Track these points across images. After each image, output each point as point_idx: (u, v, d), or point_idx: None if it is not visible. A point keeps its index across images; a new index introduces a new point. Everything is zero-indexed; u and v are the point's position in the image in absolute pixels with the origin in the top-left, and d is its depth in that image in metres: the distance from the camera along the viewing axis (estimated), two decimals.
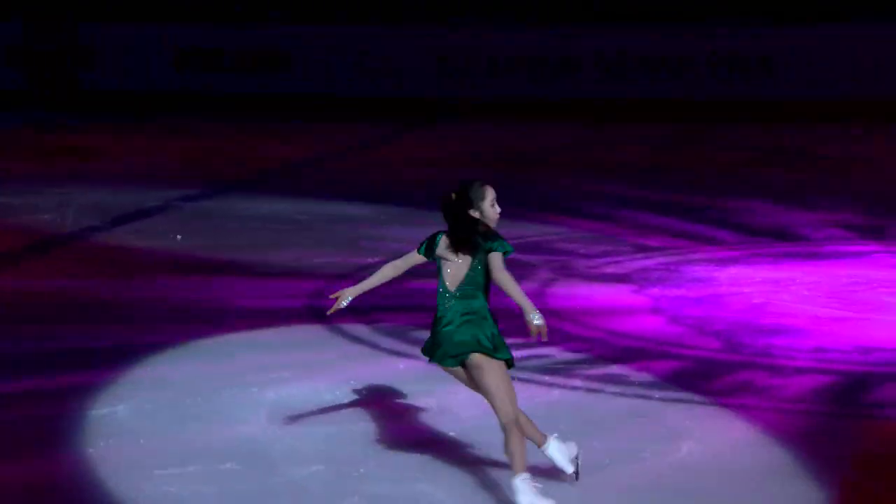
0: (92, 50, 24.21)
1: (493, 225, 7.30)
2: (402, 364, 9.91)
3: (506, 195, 17.75)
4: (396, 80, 24.12)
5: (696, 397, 9.39)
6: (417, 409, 8.70)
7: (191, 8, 24.91)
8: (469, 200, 7.24)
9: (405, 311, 11.18)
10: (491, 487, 7.57)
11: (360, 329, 10.78)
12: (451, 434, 8.41)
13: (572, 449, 7.61)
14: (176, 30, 24.40)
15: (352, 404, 8.95)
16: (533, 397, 9.37)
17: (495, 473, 7.69)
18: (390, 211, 15.65)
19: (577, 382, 9.68)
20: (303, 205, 16.16)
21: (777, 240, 14.40)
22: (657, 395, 9.43)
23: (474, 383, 7.27)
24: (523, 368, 9.85)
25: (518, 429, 7.18)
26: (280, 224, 15.11)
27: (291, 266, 13.15)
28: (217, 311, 11.56)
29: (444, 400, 8.86)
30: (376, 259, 13.05)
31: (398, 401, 8.97)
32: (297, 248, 13.86)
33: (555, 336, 10.62)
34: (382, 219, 15.26)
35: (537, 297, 11.84)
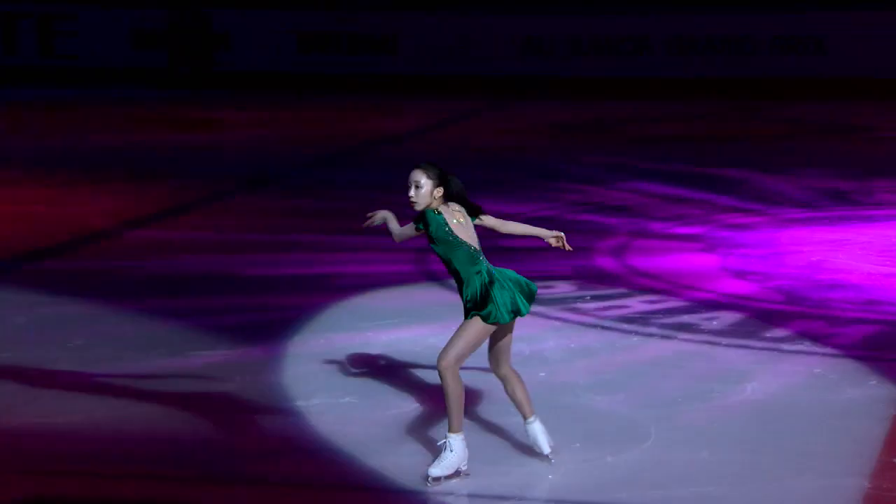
0: (225, 35, 24.32)
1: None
2: None
3: (587, 161, 17.62)
4: (489, 60, 24.02)
5: (759, 344, 9.34)
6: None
7: None
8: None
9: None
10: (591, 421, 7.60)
11: None
12: (542, 374, 8.48)
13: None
14: (298, 17, 24.46)
15: None
16: (613, 343, 9.43)
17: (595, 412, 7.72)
18: (484, 176, 15.67)
19: (654, 330, 9.66)
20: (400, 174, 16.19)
21: (834, 204, 14.26)
22: (724, 342, 9.40)
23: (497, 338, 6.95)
24: (605, 318, 9.92)
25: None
26: (384, 191, 15.09)
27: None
28: (337, 272, 11.62)
29: (534, 346, 8.96)
30: None
31: None
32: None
33: (634, 288, 10.75)
34: (483, 181, 15.29)
35: (618, 253, 11.87)
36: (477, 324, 6.73)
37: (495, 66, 23.89)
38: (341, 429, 7.64)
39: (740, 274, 11.33)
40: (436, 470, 6.78)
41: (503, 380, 6.96)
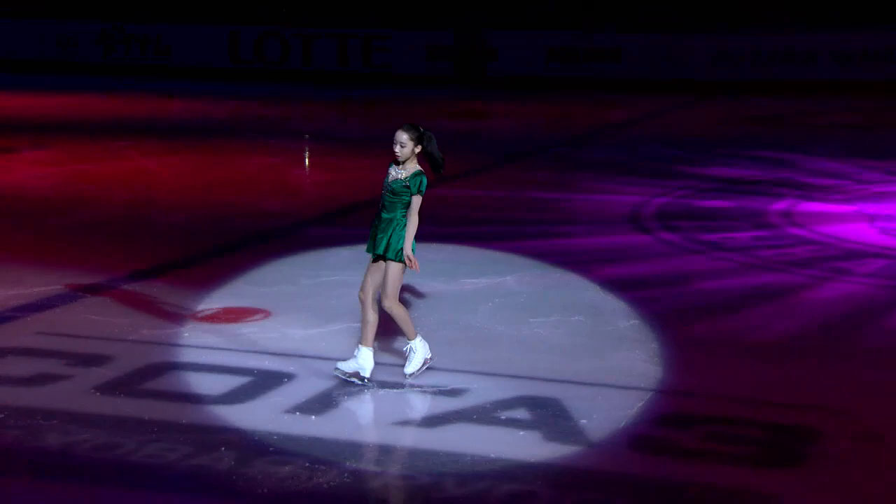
0: (495, 49, 24.56)
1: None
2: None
3: (767, 144, 16.96)
4: (690, 66, 23.59)
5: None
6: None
7: (556, 19, 25.01)
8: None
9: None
10: None
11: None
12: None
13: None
14: (547, 36, 24.50)
15: None
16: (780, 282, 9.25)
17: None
18: (689, 154, 15.45)
19: (817, 273, 9.42)
20: (625, 151, 16.10)
21: None
22: (872, 283, 9.12)
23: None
24: (773, 265, 9.72)
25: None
26: (608, 167, 15.04)
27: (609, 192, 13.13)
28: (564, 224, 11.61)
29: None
30: (682, 182, 12.95)
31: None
32: (626, 179, 13.83)
33: (796, 241, 10.49)
34: (687, 158, 15.09)
35: (786, 216, 11.55)
36: (398, 266, 6.49)
37: (692, 73, 23.54)
38: None
39: (884, 230, 10.90)
40: (410, 368, 6.61)
41: (365, 304, 6.55)
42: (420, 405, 6.37)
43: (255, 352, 7.11)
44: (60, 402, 6.26)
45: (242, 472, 5.44)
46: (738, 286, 8.96)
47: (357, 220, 11.38)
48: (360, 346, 6.54)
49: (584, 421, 6.11)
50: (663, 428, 6.14)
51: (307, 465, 5.52)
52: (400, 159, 6.52)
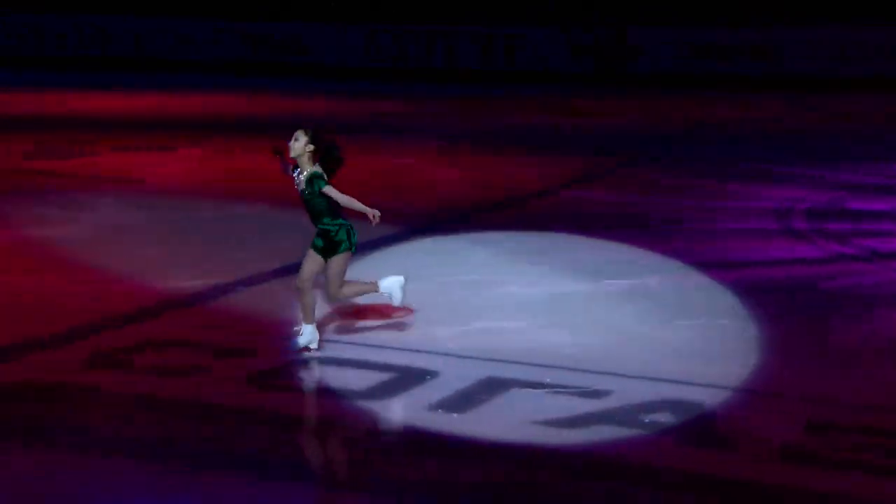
0: (637, 47, 24.26)
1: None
2: None
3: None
4: (850, 62, 22.91)
5: None
6: None
7: (700, 13, 24.55)
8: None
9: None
10: None
11: None
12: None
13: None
14: (691, 32, 24.08)
15: None
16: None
17: None
18: (841, 154, 15.00)
19: None
20: (771, 151, 15.71)
21: None
22: None
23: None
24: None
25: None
26: (754, 166, 14.69)
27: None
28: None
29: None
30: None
31: None
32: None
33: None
34: (840, 157, 14.66)
35: None
36: (341, 257, 6.84)
37: (850, 70, 22.83)
38: None
39: None
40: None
41: (304, 291, 6.82)
42: (562, 405, 6.30)
43: (398, 349, 7.15)
44: (209, 394, 6.39)
45: (384, 469, 5.46)
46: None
47: (494, 219, 11.39)
48: (304, 324, 6.85)
49: (730, 427, 5.94)
50: (812, 437, 5.93)
51: (448, 462, 5.51)
52: (291, 154, 6.73)
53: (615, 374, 6.71)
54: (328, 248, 6.82)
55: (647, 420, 6.05)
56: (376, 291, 7.09)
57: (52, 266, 9.11)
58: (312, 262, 6.83)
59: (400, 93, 23.03)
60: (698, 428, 5.98)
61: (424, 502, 5.15)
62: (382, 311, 7.91)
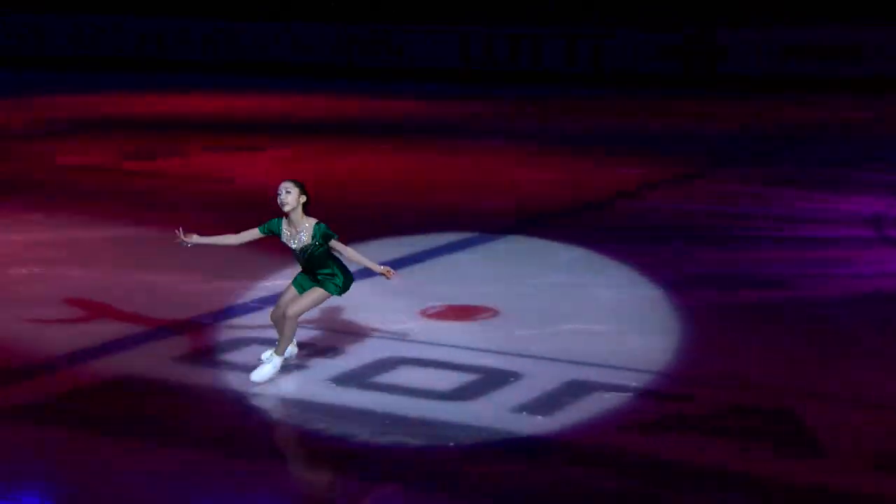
0: (725, 47, 23.93)
1: (282, 209, 6.37)
2: None
3: None
4: None
5: None
6: None
7: (793, 13, 24.14)
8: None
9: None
10: None
11: None
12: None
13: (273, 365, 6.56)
14: (782, 33, 23.66)
15: None
16: None
17: None
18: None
19: None
20: (866, 153, 15.35)
21: None
22: None
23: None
24: None
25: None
26: (848, 169, 14.32)
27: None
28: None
29: None
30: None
31: None
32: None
33: None
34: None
35: None
36: (323, 293, 6.47)
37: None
38: None
39: None
40: (257, 375, 6.44)
41: (293, 321, 6.49)
42: (648, 410, 6.23)
43: (483, 350, 7.14)
44: (298, 391, 6.46)
45: (467, 469, 5.46)
46: None
47: (580, 221, 11.32)
48: (275, 355, 6.54)
49: (820, 435, 5.81)
50: None
51: (530, 464, 5.49)
52: (286, 208, 6.37)
53: (700, 381, 6.60)
54: (340, 287, 6.54)
55: (737, 427, 5.93)
56: (277, 354, 6.55)
57: (151, 262, 9.28)
58: (316, 299, 6.52)
59: (487, 94, 23.03)
60: (790, 436, 5.86)
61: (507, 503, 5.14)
62: (466, 313, 7.90)
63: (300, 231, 6.40)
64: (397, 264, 9.26)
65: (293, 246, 6.45)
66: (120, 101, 21.75)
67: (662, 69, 24.20)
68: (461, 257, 9.74)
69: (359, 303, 8.09)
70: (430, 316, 7.87)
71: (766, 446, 5.73)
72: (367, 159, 15.15)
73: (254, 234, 6.58)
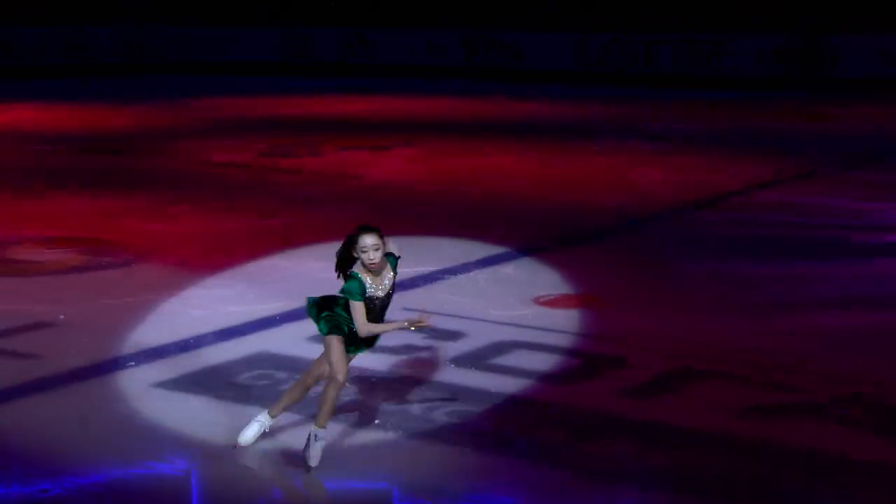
0: (832, 54, 23.46)
1: (371, 268, 5.05)
2: None
3: None
4: None
5: None
6: None
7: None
8: (351, 242, 5.10)
9: None
10: None
11: None
12: None
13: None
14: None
15: None
16: None
17: None
18: None
19: None
20: None
21: None
22: None
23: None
24: None
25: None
26: None
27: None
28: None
29: None
30: None
31: None
32: None
33: None
34: None
35: None
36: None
37: None
38: None
39: None
40: (314, 459, 5.20)
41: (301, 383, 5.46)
42: (757, 395, 6.17)
43: (592, 336, 7.21)
44: (418, 372, 6.63)
45: (575, 449, 5.48)
46: None
47: (696, 220, 11.24)
48: (269, 413, 5.46)
49: None
50: None
51: (643, 445, 5.51)
52: (376, 267, 5.08)
53: (812, 371, 6.55)
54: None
55: (844, 413, 5.89)
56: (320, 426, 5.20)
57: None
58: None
59: (604, 96, 22.95)
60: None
61: (617, 484, 5.13)
62: (577, 301, 8.00)
63: (384, 278, 5.18)
64: (515, 256, 9.48)
65: (380, 295, 5.15)
66: (265, 104, 22.43)
67: (780, 72, 23.83)
68: (577, 251, 9.80)
69: (479, 289, 8.29)
70: (543, 303, 7.96)
71: (863, 432, 5.65)
72: (491, 157, 15.24)
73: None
